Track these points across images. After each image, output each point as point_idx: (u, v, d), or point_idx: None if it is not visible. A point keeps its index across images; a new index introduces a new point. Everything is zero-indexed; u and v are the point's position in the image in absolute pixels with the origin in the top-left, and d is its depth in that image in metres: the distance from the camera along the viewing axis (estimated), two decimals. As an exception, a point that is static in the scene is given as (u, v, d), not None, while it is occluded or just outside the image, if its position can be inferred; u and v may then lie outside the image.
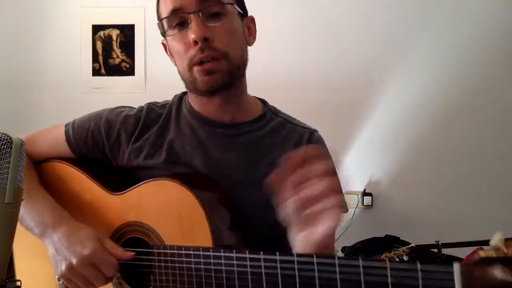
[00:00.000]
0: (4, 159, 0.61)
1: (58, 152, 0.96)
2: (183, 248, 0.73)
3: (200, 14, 0.78)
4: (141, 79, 2.35)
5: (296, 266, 0.60)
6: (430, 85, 2.20)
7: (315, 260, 0.58)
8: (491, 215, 1.98)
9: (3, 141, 0.61)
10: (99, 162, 0.94)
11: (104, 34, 2.37)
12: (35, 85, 2.38)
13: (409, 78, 2.21)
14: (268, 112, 0.94)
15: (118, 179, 0.88)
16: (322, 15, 2.26)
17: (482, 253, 0.51)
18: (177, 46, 0.82)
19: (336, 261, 0.57)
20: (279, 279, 0.62)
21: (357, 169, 2.25)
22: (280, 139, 0.90)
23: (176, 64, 0.87)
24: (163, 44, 0.92)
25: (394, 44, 2.22)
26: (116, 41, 2.36)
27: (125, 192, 0.84)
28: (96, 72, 2.38)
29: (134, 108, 0.95)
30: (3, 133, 0.62)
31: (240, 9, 0.87)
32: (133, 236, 0.82)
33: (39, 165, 0.96)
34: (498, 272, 0.49)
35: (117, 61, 2.37)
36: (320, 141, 0.93)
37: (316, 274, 0.58)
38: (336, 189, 0.60)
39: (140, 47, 2.35)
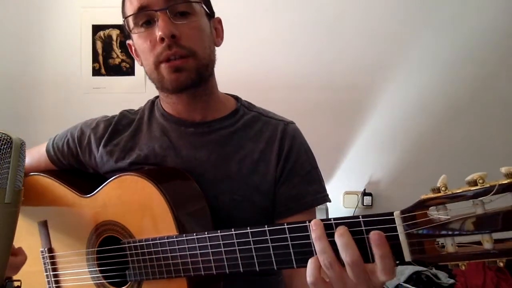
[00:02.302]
0: (4, 159, 0.61)
1: (39, 165, 0.98)
2: (150, 239, 0.74)
3: (168, 12, 0.77)
4: (141, 79, 2.35)
5: (251, 239, 0.64)
6: (430, 85, 2.19)
7: (266, 229, 0.63)
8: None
9: (3, 141, 0.61)
10: (75, 170, 0.96)
11: (104, 34, 2.37)
12: (35, 85, 2.38)
13: (409, 78, 2.21)
14: (241, 107, 0.93)
15: (93, 183, 0.88)
16: (322, 15, 2.26)
17: (423, 196, 0.52)
18: (143, 45, 0.80)
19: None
20: (237, 248, 0.65)
21: (357, 169, 2.25)
22: (253, 133, 0.89)
23: (142, 64, 0.86)
24: (128, 44, 0.90)
25: (394, 44, 2.22)
26: (116, 41, 2.36)
27: (94, 194, 0.85)
28: (96, 72, 2.38)
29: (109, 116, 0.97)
30: (3, 133, 0.62)
31: (207, 9, 0.85)
32: (108, 235, 0.83)
33: None
34: (434, 212, 0.50)
35: (117, 61, 2.37)
36: (295, 133, 0.91)
37: (270, 245, 0.62)
38: None
39: (140, 47, 2.34)
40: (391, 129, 2.23)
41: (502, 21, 2.14)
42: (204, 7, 0.84)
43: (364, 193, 2.21)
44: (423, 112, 2.20)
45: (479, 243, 0.49)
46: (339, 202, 2.23)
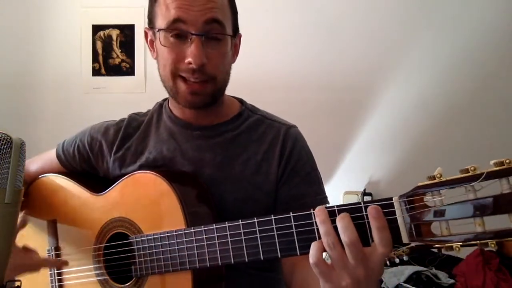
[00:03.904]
0: (4, 159, 0.61)
1: (52, 168, 1.00)
2: (159, 233, 0.76)
3: (203, 38, 0.78)
4: (141, 79, 2.35)
5: (257, 228, 0.66)
6: (430, 85, 2.19)
7: (273, 218, 0.66)
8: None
9: (3, 141, 0.61)
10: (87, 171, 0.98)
11: (104, 34, 2.37)
12: (35, 85, 2.38)
13: (409, 78, 2.21)
14: (245, 110, 0.95)
15: (107, 182, 0.90)
16: (322, 15, 2.26)
17: (420, 183, 0.56)
18: (167, 54, 0.81)
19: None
20: (243, 238, 0.68)
21: (357, 169, 2.25)
22: (257, 136, 0.91)
23: (156, 60, 0.87)
24: (145, 32, 0.90)
25: (394, 44, 2.22)
26: (116, 41, 2.36)
27: (107, 192, 0.87)
28: (96, 72, 2.38)
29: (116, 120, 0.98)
30: (3, 133, 0.62)
31: (234, 30, 0.87)
32: (117, 232, 0.84)
33: (31, 184, 0.99)
34: (430, 197, 0.55)
35: (117, 61, 2.37)
36: (297, 136, 0.93)
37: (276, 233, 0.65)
38: None
39: (140, 47, 2.35)
40: (391, 129, 2.23)
41: (502, 21, 2.14)
42: (232, 33, 0.85)
43: (364, 193, 2.21)
44: (423, 112, 2.20)
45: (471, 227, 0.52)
46: (339, 202, 2.22)
